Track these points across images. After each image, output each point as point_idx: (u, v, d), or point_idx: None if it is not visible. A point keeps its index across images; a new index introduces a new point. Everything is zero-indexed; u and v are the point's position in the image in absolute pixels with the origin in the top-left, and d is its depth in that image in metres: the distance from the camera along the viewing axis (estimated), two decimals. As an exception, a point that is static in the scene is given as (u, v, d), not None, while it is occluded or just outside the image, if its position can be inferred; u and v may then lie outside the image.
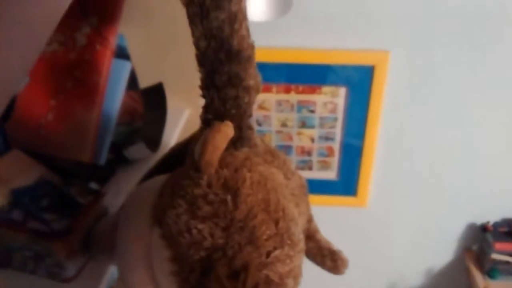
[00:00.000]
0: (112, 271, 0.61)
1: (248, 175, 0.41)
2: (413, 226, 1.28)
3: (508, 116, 1.09)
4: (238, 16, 0.41)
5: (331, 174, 1.18)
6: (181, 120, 0.91)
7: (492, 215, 1.23)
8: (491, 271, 1.19)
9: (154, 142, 0.78)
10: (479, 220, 1.25)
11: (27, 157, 0.61)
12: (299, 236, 0.43)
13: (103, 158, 0.64)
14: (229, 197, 0.40)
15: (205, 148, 0.40)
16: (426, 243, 1.31)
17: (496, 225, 1.21)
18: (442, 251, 1.32)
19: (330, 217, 1.25)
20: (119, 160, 0.72)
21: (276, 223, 0.41)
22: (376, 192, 1.21)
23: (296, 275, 0.43)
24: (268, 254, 0.40)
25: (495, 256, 1.17)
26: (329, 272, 0.63)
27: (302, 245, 0.44)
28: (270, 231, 0.40)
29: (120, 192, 0.64)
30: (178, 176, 0.44)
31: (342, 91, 1.07)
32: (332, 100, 1.08)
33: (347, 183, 1.18)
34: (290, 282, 0.42)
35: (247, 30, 0.42)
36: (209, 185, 0.41)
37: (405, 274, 1.37)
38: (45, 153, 0.62)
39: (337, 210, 1.24)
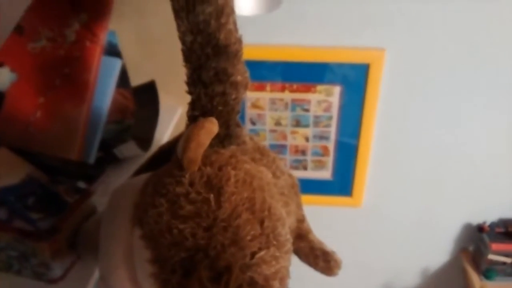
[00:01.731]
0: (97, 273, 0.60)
1: (232, 173, 0.40)
2: (408, 226, 1.27)
3: (505, 116, 1.08)
4: (225, 10, 0.40)
5: (326, 174, 1.17)
6: (174, 118, 0.90)
7: (488, 216, 1.23)
8: (488, 271, 1.18)
9: (145, 140, 0.77)
10: (476, 220, 1.24)
11: (14, 155, 0.60)
12: (286, 237, 0.42)
13: (92, 156, 0.64)
14: (211, 196, 0.39)
15: (187, 145, 0.39)
16: (422, 243, 1.30)
17: (493, 225, 1.21)
18: (438, 251, 1.31)
19: (325, 217, 1.24)
20: (109, 158, 0.71)
21: (262, 222, 0.40)
22: (372, 192, 1.20)
23: (282, 277, 0.42)
24: (252, 255, 0.39)
25: (491, 256, 1.16)
26: (322, 273, 0.62)
27: (289, 245, 0.43)
28: (255, 231, 0.39)
29: (109, 191, 0.63)
30: (161, 174, 0.43)
31: (337, 89, 1.06)
32: (326, 98, 1.07)
33: (342, 182, 1.17)
34: (275, 284, 0.41)
35: (235, 24, 0.41)
36: (192, 183, 0.40)
37: (401, 274, 1.37)
38: (33, 150, 0.61)
39: (332, 210, 1.23)
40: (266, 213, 0.40)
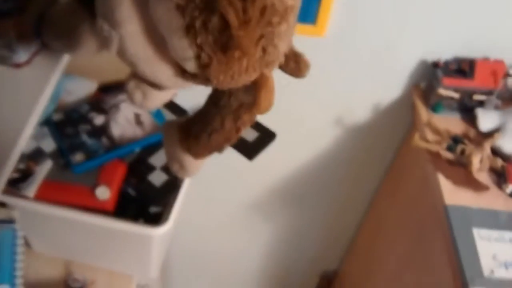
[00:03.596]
0: (66, 60, 0.58)
1: None
2: (366, 61, 1.29)
3: None
4: None
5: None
6: None
7: (443, 53, 1.25)
8: (436, 105, 1.24)
9: None
10: (431, 57, 1.27)
11: None
12: None
13: None
14: None
15: None
16: (376, 78, 1.33)
17: (447, 62, 1.24)
18: (391, 87, 1.35)
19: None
20: None
21: None
22: (337, 21, 1.19)
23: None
24: None
25: (441, 91, 1.21)
26: (291, 76, 0.62)
27: None
28: None
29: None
30: None
31: None
32: None
33: (306, 8, 1.14)
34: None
35: None
36: None
37: (352, 109, 1.41)
38: None
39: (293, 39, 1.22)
40: None
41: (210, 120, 0.58)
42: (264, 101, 0.51)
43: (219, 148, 0.62)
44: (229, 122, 0.56)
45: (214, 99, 0.58)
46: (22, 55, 0.51)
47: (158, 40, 0.45)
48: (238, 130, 0.57)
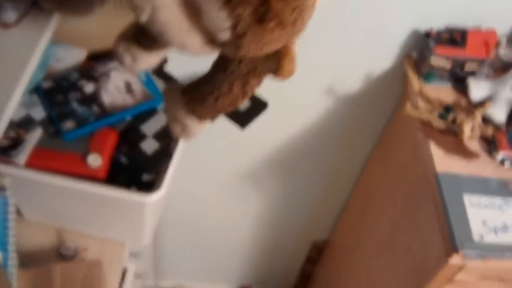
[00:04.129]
0: (55, 23, 0.57)
1: None
2: (358, 30, 1.28)
3: None
4: None
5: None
6: None
7: (435, 23, 1.24)
8: (428, 75, 1.24)
9: None
10: (423, 27, 1.26)
11: None
12: None
13: None
14: None
15: None
16: (368, 48, 1.32)
17: (439, 32, 1.23)
18: (383, 57, 1.34)
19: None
20: None
21: None
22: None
23: None
24: None
25: (433, 60, 1.21)
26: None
27: None
28: None
29: None
30: None
31: None
32: None
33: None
34: None
35: None
36: None
37: (344, 78, 1.40)
38: None
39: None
40: None
41: (217, 84, 0.61)
42: (287, 68, 0.55)
43: (224, 111, 0.67)
44: (237, 86, 0.60)
45: (223, 65, 0.61)
46: (11, 14, 0.50)
47: (191, 11, 0.47)
48: (245, 94, 0.63)
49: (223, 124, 1.21)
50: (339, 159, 1.61)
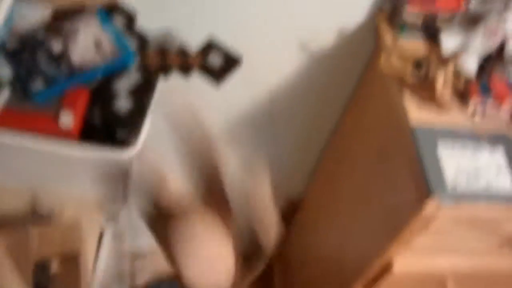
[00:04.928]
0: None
1: None
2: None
3: None
4: None
5: None
6: None
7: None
8: (400, 29, 1.24)
9: None
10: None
11: None
12: None
13: None
14: None
15: None
16: (340, 2, 1.31)
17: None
18: (355, 10, 1.34)
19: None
20: None
21: None
22: None
23: None
24: None
25: (406, 14, 1.21)
26: None
27: None
28: None
29: None
30: None
31: None
32: None
33: None
34: None
35: None
36: None
37: (317, 32, 1.39)
38: None
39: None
40: None
41: None
42: None
43: None
44: None
45: None
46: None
47: None
48: None
49: (197, 81, 1.20)
50: (313, 114, 1.62)
